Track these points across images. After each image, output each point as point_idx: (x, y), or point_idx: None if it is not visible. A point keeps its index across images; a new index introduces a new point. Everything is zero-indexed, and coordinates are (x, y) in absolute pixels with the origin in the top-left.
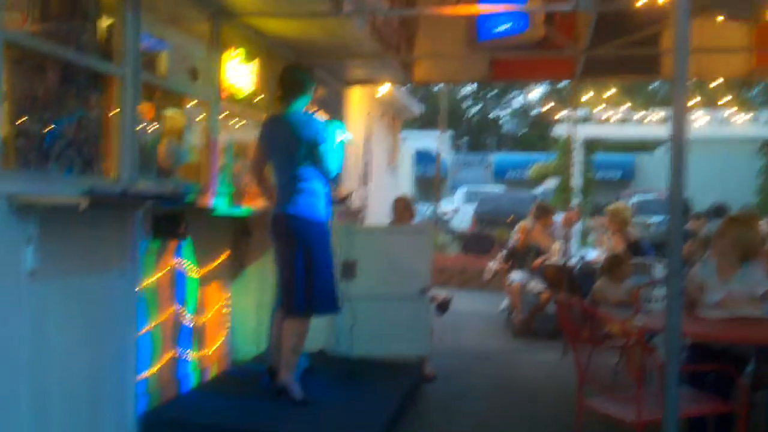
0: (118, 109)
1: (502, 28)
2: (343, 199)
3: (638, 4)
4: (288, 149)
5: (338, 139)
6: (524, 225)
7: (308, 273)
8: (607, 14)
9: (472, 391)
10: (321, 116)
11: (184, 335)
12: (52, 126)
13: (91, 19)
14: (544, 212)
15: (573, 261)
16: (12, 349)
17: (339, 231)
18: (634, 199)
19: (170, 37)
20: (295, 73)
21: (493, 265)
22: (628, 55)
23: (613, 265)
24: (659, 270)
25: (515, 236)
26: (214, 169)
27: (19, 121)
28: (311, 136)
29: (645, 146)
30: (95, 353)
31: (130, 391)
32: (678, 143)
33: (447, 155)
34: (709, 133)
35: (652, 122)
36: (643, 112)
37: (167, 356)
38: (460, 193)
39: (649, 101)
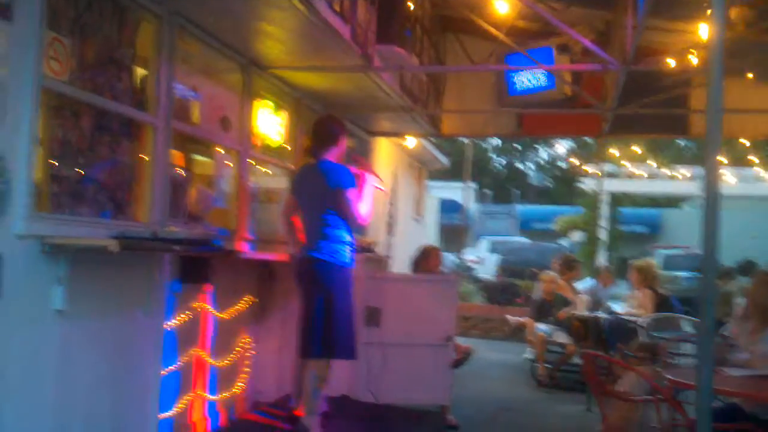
0: (150, 156)
1: (529, 84)
2: (368, 247)
3: (668, 66)
4: (316, 196)
5: (371, 188)
6: (548, 276)
7: (328, 317)
8: (635, 74)
9: None
10: (358, 163)
11: (207, 376)
12: (86, 171)
13: (125, 68)
14: (570, 265)
15: (599, 313)
16: (38, 386)
17: (365, 278)
18: (662, 254)
19: (202, 86)
20: (327, 124)
21: (512, 319)
22: (655, 114)
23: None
24: (687, 325)
25: (540, 286)
26: (242, 215)
27: (54, 165)
28: (338, 183)
29: (671, 202)
30: (119, 391)
31: (153, 430)
32: (711, 206)
33: (472, 206)
34: (737, 190)
35: (678, 179)
36: (668, 169)
37: (190, 397)
38: (485, 243)
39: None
